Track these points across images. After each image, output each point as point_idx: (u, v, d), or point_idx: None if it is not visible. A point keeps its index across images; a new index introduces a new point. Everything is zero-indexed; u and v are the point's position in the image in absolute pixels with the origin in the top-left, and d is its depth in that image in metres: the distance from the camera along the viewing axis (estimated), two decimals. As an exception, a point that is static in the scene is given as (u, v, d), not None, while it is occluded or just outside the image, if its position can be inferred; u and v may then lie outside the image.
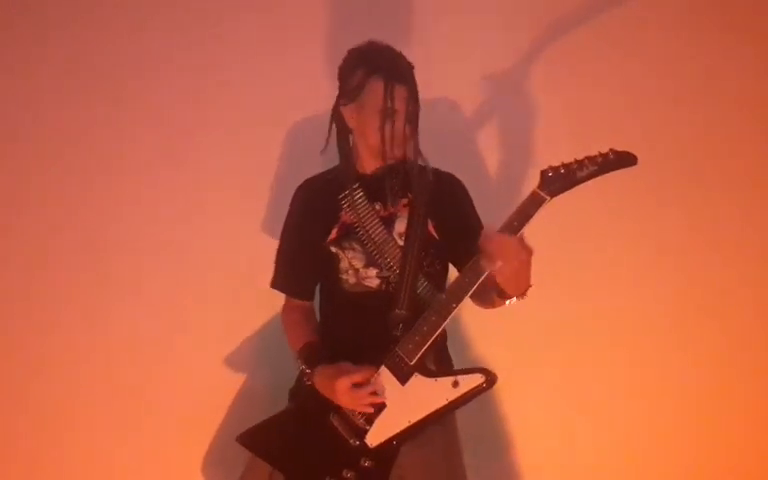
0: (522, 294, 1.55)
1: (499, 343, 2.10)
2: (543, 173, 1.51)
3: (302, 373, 1.67)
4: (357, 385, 1.54)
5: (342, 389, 1.54)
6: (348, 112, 1.68)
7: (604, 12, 2.08)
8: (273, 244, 1.81)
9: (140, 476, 2.07)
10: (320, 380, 1.60)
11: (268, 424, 1.67)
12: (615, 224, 2.13)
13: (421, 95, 1.67)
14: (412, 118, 1.65)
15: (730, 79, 2.13)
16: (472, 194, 1.80)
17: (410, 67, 1.66)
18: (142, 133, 2.04)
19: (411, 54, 1.68)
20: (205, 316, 2.07)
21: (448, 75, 2.05)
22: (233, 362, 2.09)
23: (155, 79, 2.04)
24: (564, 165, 1.50)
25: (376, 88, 1.61)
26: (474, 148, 2.12)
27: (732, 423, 2.17)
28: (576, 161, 1.49)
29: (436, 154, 1.73)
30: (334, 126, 1.73)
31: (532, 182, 1.99)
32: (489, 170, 2.13)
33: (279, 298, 1.84)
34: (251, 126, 2.06)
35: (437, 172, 1.76)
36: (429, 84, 1.71)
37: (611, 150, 1.48)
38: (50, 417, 2.04)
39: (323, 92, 1.82)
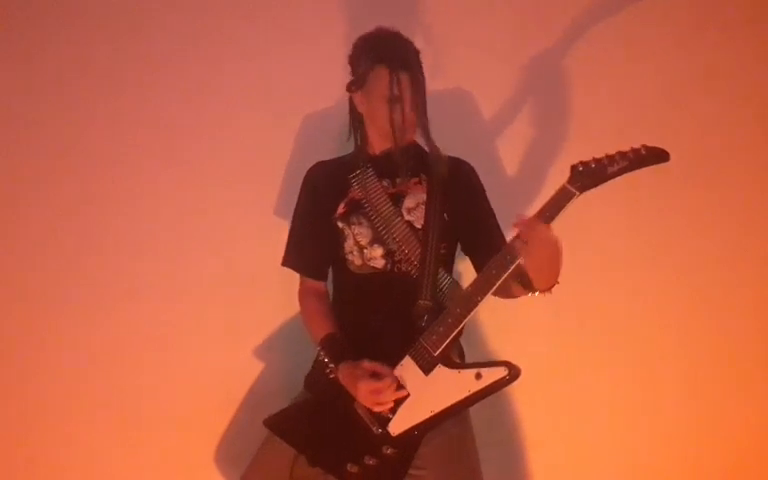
0: (548, 289, 1.55)
1: (507, 344, 2.10)
2: (573, 168, 1.50)
3: (324, 365, 1.66)
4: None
5: (363, 393, 1.55)
6: (357, 98, 1.70)
7: (609, 11, 2.07)
8: (281, 239, 1.80)
9: (145, 476, 2.05)
10: (344, 377, 1.60)
11: (293, 409, 1.67)
12: (616, 224, 2.13)
13: (431, 86, 1.67)
14: (418, 104, 1.65)
15: (730, 79, 2.14)
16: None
17: (416, 53, 1.67)
18: (146, 129, 2.00)
19: (420, 45, 1.68)
20: (211, 314, 2.04)
21: (459, 66, 2.04)
22: (240, 360, 2.06)
23: (156, 75, 2.00)
24: (595, 160, 1.49)
25: (381, 76, 1.62)
26: (484, 139, 2.11)
27: (733, 423, 2.19)
28: (607, 156, 1.48)
29: (447, 144, 1.74)
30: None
31: (539, 175, 2.04)
32: (500, 161, 2.12)
33: (287, 297, 1.83)
34: (258, 120, 2.03)
35: (448, 157, 1.77)
36: (439, 75, 1.72)
37: (643, 146, 1.48)
38: (51, 417, 2.00)
39: (333, 84, 1.81)
